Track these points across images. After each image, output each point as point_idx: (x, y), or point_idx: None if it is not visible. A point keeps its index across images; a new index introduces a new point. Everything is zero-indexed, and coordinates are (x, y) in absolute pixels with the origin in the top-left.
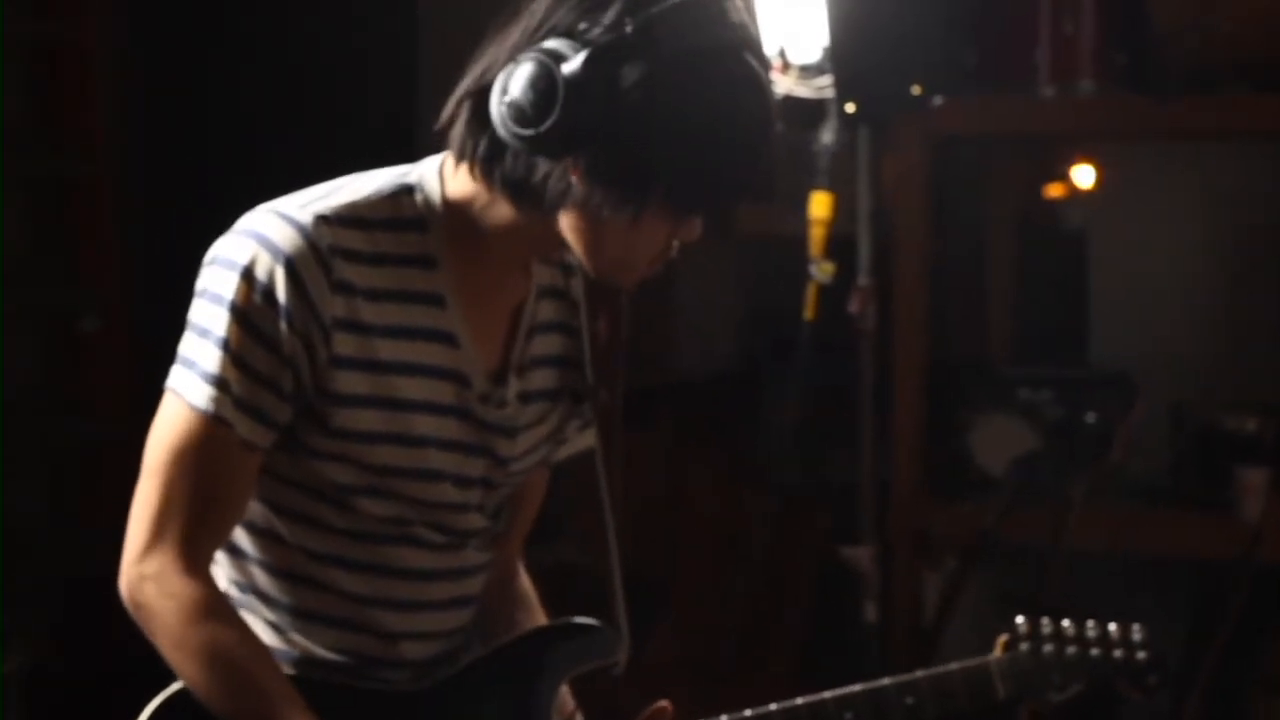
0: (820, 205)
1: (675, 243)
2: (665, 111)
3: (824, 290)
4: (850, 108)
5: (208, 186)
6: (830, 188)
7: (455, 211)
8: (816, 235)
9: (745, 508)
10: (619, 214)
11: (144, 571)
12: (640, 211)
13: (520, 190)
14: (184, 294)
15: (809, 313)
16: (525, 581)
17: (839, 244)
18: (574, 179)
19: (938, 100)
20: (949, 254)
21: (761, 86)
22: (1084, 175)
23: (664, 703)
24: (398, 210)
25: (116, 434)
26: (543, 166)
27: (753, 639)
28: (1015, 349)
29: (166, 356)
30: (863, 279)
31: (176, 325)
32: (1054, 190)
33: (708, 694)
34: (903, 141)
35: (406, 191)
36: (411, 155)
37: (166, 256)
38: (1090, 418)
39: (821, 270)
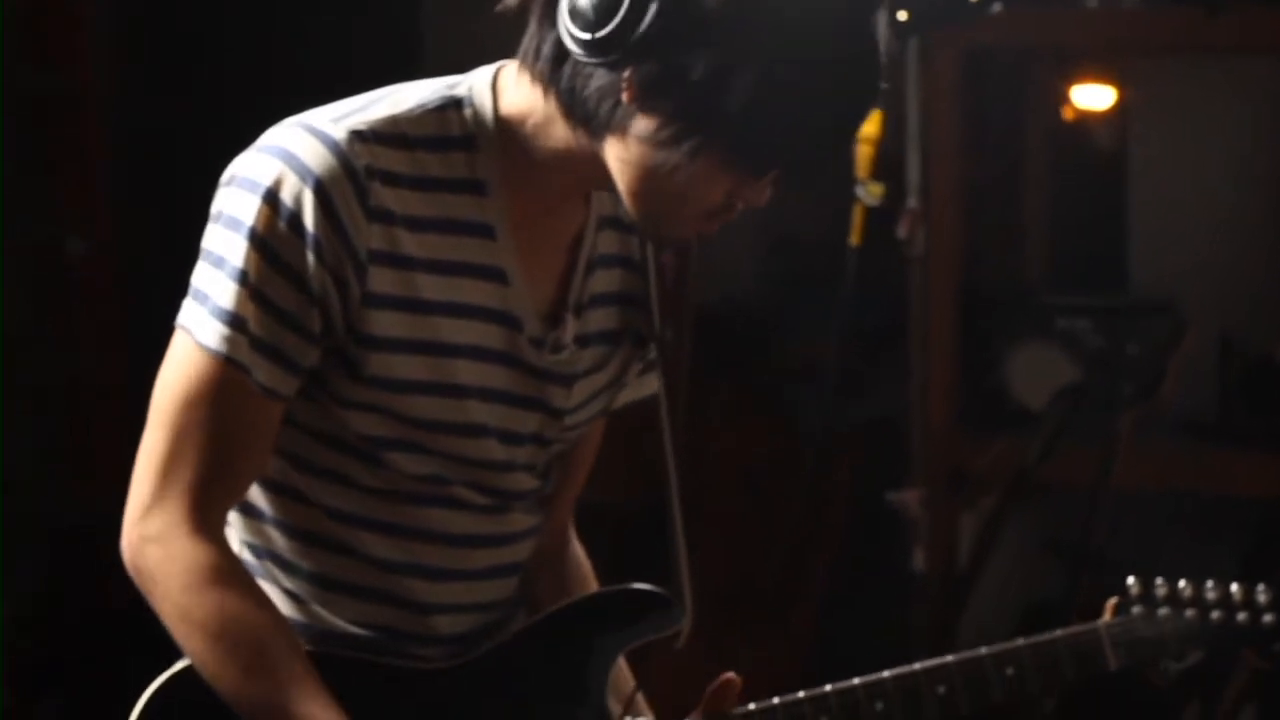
0: (868, 121)
1: (738, 204)
2: (750, 43)
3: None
4: (903, 15)
5: (201, 99)
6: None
7: (508, 130)
8: (863, 154)
9: (767, 447)
10: (668, 152)
11: (146, 532)
12: (694, 156)
13: (572, 103)
14: (178, 217)
15: (854, 238)
16: (578, 548)
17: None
18: (625, 98)
19: (996, 7)
20: (982, 176)
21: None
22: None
23: (730, 675)
24: (444, 127)
25: (105, 368)
26: (597, 79)
27: (777, 586)
28: (1052, 276)
29: (160, 285)
30: (912, 201)
31: (170, 251)
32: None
33: (725, 650)
34: (937, 56)
35: (454, 105)
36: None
37: (158, 175)
38: (1133, 348)
39: (869, 192)
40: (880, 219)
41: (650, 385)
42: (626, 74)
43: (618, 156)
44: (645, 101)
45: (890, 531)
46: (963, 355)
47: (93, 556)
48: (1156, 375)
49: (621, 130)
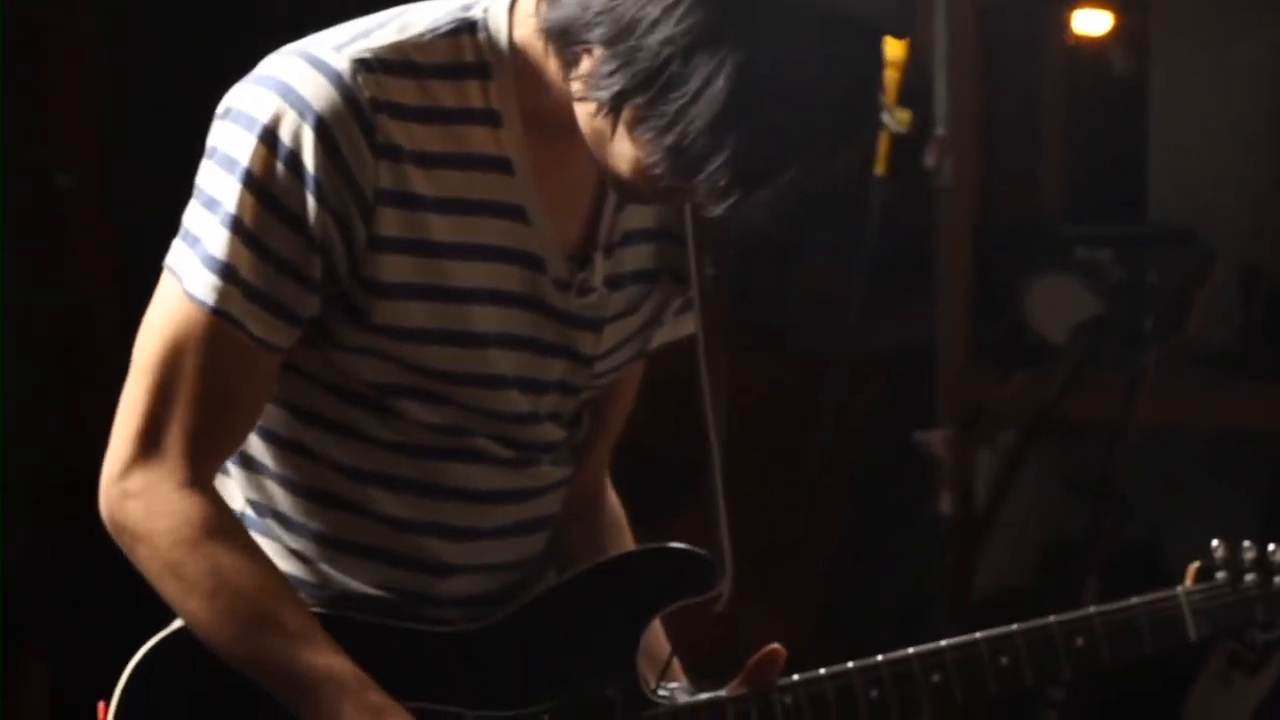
0: (894, 45)
1: (664, 185)
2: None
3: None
4: None
5: (196, 26)
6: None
7: (522, 57)
8: (890, 79)
9: (778, 382)
10: (594, 94)
11: (129, 488)
12: (611, 123)
13: (548, 30)
14: (171, 150)
15: (881, 167)
16: (613, 500)
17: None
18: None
19: None
20: (998, 103)
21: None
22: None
23: (775, 646)
24: (457, 53)
25: (95, 307)
26: (565, 7)
27: (794, 527)
28: (1070, 206)
29: (153, 220)
30: (940, 129)
31: (163, 185)
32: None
33: (741, 591)
34: None
35: (468, 29)
36: None
37: (151, 106)
38: (1153, 278)
39: (896, 119)
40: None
41: (688, 325)
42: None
43: (575, 95)
44: (581, 36)
45: (910, 471)
46: (981, 289)
47: (83, 505)
48: (1182, 309)
49: (575, 64)
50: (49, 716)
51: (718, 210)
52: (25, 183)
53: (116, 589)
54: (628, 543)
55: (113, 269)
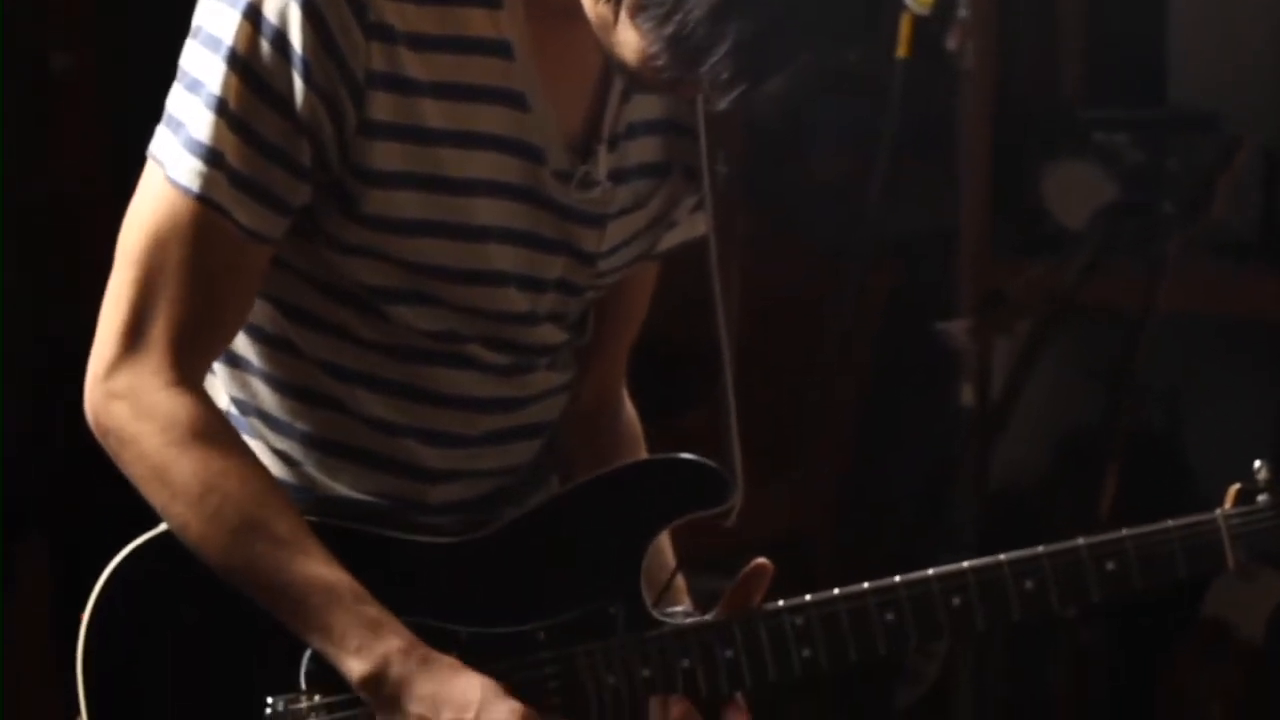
0: None
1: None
2: None
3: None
4: None
5: None
6: None
7: None
8: None
9: (793, 271)
10: None
11: (113, 388)
12: (614, 9)
13: None
14: (172, 31)
15: (902, 49)
16: (629, 411)
17: None
18: None
19: None
20: None
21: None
22: None
23: (762, 561)
24: None
25: (91, 191)
26: None
27: (800, 422)
28: (1088, 89)
29: (150, 103)
30: (963, 10)
31: (160, 66)
32: None
33: (751, 485)
34: None
35: None
36: None
37: None
38: (1173, 164)
39: (918, 2)
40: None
41: (701, 226)
42: None
43: None
44: None
45: (929, 361)
46: (999, 174)
47: (78, 389)
48: (1203, 195)
49: None
50: (49, 609)
51: (723, 103)
52: (23, 65)
53: (117, 479)
54: (642, 454)
55: (109, 153)
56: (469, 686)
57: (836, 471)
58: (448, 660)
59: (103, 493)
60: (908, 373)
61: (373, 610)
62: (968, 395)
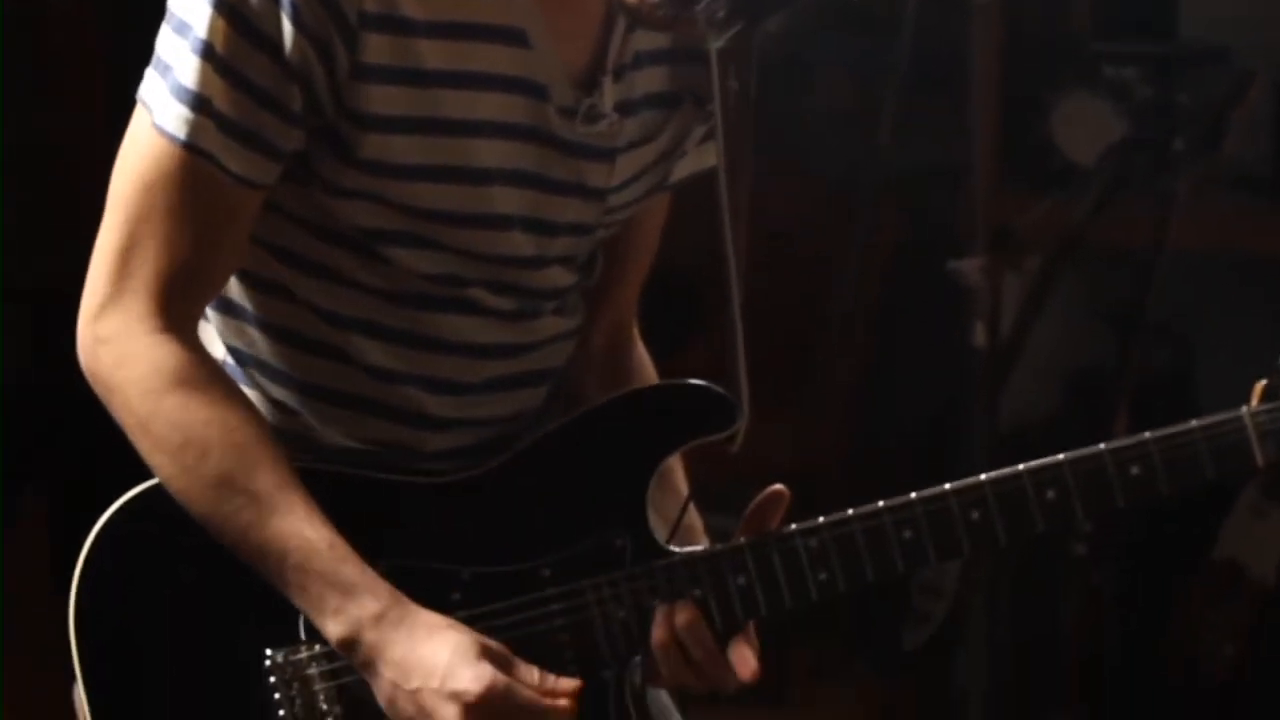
0: None
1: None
2: None
3: None
4: None
5: None
6: None
7: None
8: None
9: (793, 204)
10: None
11: (100, 333)
12: None
13: None
14: None
15: None
16: (640, 351)
17: None
18: None
19: None
20: None
21: None
22: None
23: (778, 487)
24: None
25: (84, 130)
26: None
27: (799, 358)
28: (1098, 21)
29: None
30: None
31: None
32: None
33: (760, 418)
34: None
35: None
36: None
37: None
38: (1184, 99)
39: None
40: None
41: (711, 156)
42: None
43: None
44: None
45: (938, 298)
46: (1008, 108)
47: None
48: (1216, 131)
49: None
50: (48, 562)
51: (721, 40)
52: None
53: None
54: None
55: (106, 90)
56: (438, 650)
57: (845, 409)
58: (425, 620)
59: (101, 442)
60: (916, 308)
61: (350, 570)
62: (978, 332)
